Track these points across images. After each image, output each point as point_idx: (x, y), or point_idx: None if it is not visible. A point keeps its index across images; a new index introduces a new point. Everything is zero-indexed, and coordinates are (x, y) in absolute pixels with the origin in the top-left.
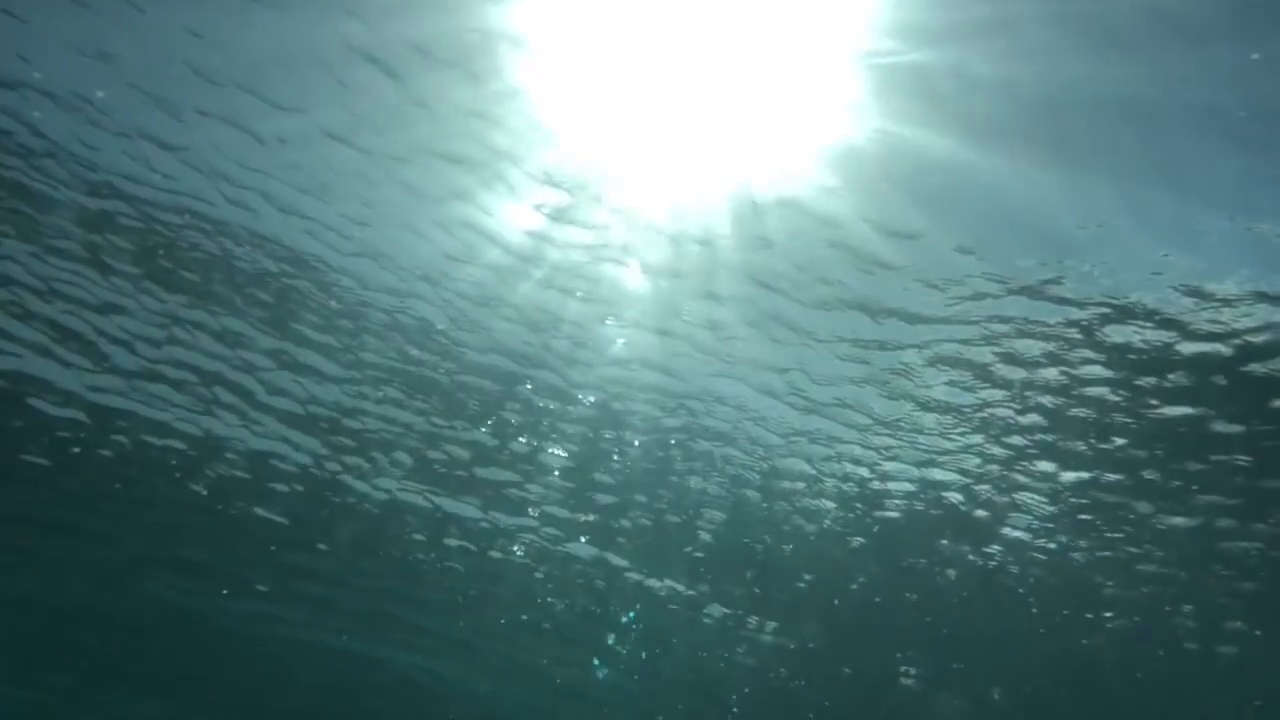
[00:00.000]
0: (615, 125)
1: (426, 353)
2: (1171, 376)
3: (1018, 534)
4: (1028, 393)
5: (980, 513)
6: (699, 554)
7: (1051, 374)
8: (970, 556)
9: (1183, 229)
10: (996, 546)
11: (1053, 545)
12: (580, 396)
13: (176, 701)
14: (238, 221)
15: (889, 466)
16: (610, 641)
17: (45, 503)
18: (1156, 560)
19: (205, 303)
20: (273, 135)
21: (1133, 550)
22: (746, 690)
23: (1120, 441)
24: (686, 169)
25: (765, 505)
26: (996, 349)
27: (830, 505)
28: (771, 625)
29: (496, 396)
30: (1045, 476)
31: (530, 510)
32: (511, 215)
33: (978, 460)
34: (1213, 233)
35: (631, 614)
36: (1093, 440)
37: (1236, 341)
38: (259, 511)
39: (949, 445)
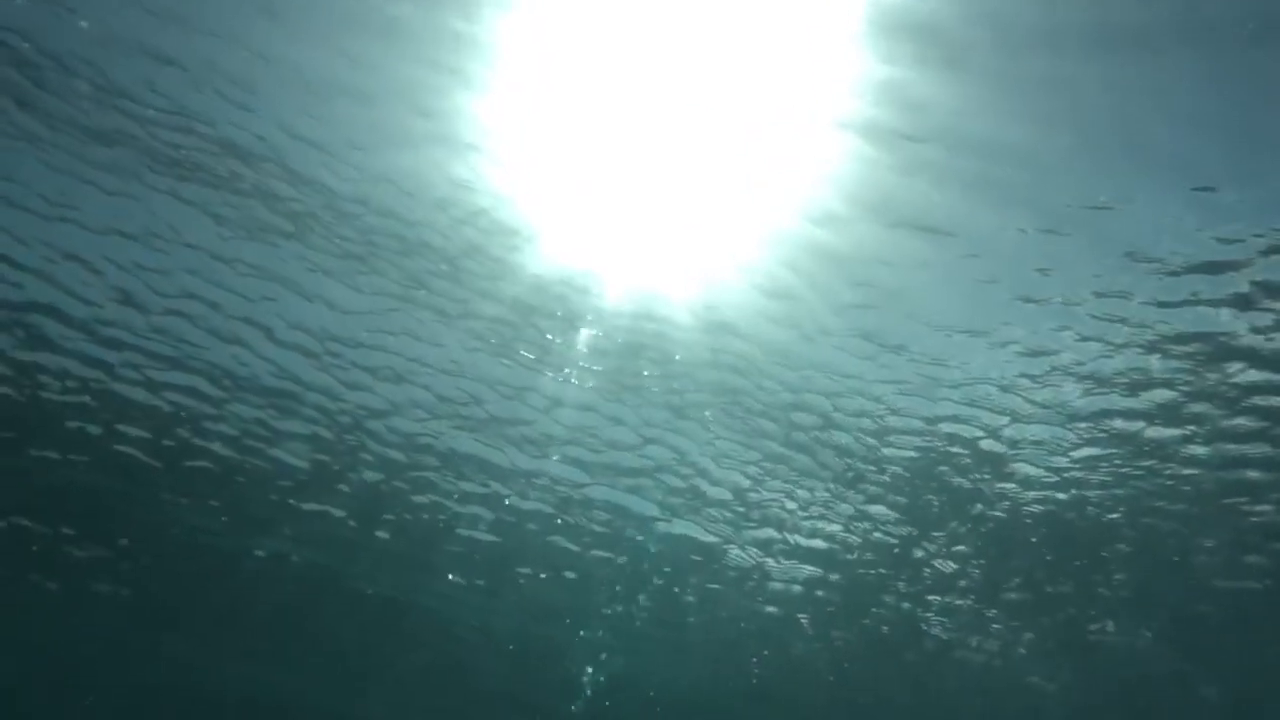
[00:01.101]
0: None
1: (443, 281)
2: (1184, 284)
3: (1031, 470)
4: (1041, 314)
5: (995, 445)
6: (726, 495)
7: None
8: (984, 497)
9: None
10: (1011, 484)
11: (1068, 480)
12: (591, 330)
13: (181, 636)
14: (242, 143)
15: (902, 402)
16: (630, 590)
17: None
18: (1172, 494)
19: (219, 227)
20: (277, 52)
21: (1144, 486)
22: (766, 652)
23: (1135, 361)
24: (692, 89)
25: (783, 436)
26: (1010, 266)
27: (847, 440)
28: (794, 573)
29: (512, 329)
30: (1060, 405)
31: (552, 453)
32: (515, 139)
33: (993, 389)
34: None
35: (651, 551)
36: (1107, 358)
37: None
38: (275, 452)
39: (960, 376)
